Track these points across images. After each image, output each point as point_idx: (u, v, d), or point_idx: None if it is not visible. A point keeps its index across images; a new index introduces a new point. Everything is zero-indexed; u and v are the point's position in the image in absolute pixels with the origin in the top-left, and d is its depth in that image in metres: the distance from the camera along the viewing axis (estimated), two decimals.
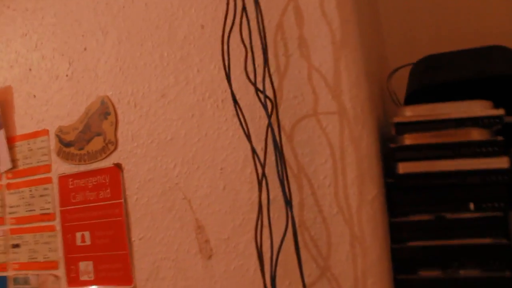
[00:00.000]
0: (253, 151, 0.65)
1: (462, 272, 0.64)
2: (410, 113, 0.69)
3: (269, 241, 0.64)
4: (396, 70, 0.87)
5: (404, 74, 0.88)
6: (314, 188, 0.64)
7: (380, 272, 0.62)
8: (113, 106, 0.79)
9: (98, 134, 0.81)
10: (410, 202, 0.67)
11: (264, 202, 0.65)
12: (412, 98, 0.78)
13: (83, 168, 0.83)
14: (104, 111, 0.80)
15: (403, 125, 0.68)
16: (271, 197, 0.65)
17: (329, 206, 0.63)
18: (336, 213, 0.63)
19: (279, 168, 0.62)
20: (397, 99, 0.86)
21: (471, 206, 0.64)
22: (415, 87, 0.77)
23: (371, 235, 0.62)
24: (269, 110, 0.64)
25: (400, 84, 0.89)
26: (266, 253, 0.65)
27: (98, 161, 0.81)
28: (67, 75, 0.84)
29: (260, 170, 0.65)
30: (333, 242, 0.63)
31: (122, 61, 0.79)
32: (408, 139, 0.68)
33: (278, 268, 0.64)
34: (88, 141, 0.82)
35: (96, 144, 0.81)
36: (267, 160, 0.65)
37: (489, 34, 0.97)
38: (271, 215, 0.65)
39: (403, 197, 0.67)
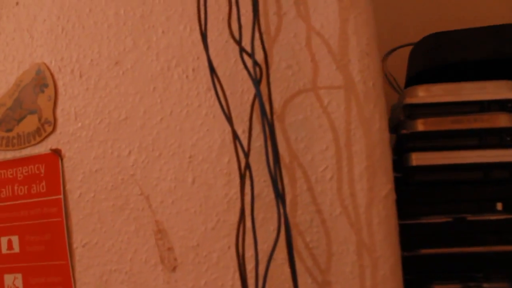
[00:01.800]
0: (234, 134, 0.51)
1: (486, 286, 0.53)
2: (424, 93, 0.57)
3: (251, 250, 0.51)
4: (394, 49, 0.76)
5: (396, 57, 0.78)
6: (311, 182, 0.51)
7: None
8: (52, 77, 0.63)
9: (32, 112, 0.64)
10: (424, 200, 0.55)
11: (246, 200, 0.51)
12: (417, 80, 0.66)
13: (11, 155, 0.65)
14: (40, 82, 0.63)
15: (416, 108, 0.56)
16: (254, 193, 0.52)
17: (330, 205, 0.50)
18: (339, 214, 0.50)
19: (269, 156, 0.48)
20: (396, 83, 0.74)
21: (499, 206, 0.53)
22: (422, 67, 0.66)
23: (383, 242, 0.49)
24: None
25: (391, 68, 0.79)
26: (247, 265, 0.51)
27: (32, 146, 0.64)
28: None
29: (242, 159, 0.51)
30: (335, 251, 0.50)
31: (65, 19, 0.62)
32: (422, 125, 0.56)
33: (260, 283, 0.50)
34: (19, 120, 0.65)
35: (29, 124, 0.64)
36: (250, 146, 0.52)
37: (483, 17, 0.89)
38: (254, 216, 0.52)
39: (414, 194, 0.55)
